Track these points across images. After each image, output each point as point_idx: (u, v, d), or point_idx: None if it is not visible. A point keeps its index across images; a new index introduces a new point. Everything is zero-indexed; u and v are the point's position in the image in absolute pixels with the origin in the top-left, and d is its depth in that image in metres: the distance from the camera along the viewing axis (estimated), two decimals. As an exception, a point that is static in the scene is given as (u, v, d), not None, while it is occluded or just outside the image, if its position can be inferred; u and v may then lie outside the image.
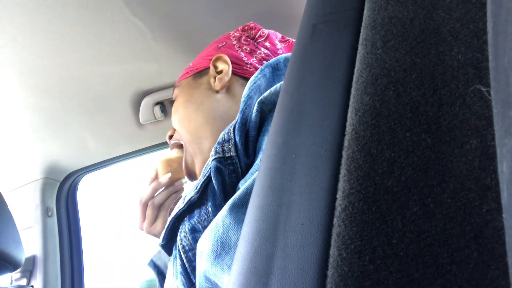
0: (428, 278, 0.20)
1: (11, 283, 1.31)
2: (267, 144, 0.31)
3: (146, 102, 1.15)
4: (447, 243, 0.21)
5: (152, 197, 0.76)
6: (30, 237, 1.33)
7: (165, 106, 1.18)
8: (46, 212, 1.36)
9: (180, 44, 0.99)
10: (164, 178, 0.76)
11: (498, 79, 0.18)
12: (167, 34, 0.96)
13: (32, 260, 1.31)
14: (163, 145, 1.31)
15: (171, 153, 0.76)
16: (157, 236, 0.75)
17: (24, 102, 1.09)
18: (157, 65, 1.04)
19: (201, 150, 0.66)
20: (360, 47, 0.28)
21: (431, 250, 0.21)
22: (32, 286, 1.30)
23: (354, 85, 0.27)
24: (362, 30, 0.29)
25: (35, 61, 0.97)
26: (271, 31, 0.74)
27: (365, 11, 0.29)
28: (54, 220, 1.39)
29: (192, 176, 0.71)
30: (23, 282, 1.30)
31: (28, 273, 1.31)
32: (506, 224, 0.17)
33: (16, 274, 1.31)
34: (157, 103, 1.16)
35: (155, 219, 0.75)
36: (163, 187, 0.76)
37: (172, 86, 1.13)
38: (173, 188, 0.77)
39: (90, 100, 1.12)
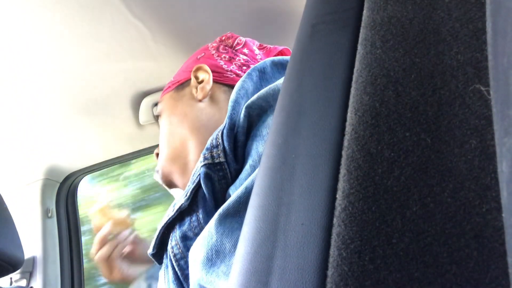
0: (428, 277, 0.20)
1: (11, 284, 1.31)
2: (266, 144, 0.31)
3: (146, 102, 1.15)
4: (447, 242, 0.21)
5: (98, 251, 0.75)
6: (30, 238, 1.33)
7: (164, 107, 1.18)
8: (46, 213, 1.36)
9: (180, 45, 0.99)
10: (102, 232, 0.74)
11: (498, 78, 0.18)
12: (167, 35, 0.96)
13: (31, 261, 1.31)
14: (163, 145, 1.31)
15: (100, 202, 0.74)
16: (124, 280, 0.75)
17: (24, 103, 1.09)
18: (157, 66, 1.04)
19: (185, 165, 0.65)
20: (359, 47, 0.28)
21: (431, 250, 0.21)
22: (31, 287, 1.30)
23: (353, 85, 0.27)
24: (361, 30, 0.29)
25: (34, 62, 0.97)
26: (248, 39, 0.74)
27: (364, 11, 0.29)
28: (54, 221, 1.39)
29: (171, 186, 0.71)
30: (23, 283, 1.30)
31: (28, 274, 1.30)
32: (506, 223, 0.17)
33: (15, 275, 1.30)
34: (156, 104, 1.16)
35: (111, 270, 0.74)
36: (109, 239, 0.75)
37: (172, 86, 1.12)
38: (116, 240, 0.75)
39: (90, 101, 1.12)
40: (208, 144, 0.51)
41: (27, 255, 1.30)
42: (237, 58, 0.70)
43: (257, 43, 0.76)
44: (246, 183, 0.44)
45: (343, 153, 0.25)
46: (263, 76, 0.60)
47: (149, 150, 1.34)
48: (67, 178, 1.43)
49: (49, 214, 1.37)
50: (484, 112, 0.22)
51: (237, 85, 0.57)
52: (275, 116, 0.32)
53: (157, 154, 0.74)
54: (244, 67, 0.69)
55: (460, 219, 0.21)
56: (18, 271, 1.25)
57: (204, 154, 0.51)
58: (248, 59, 0.71)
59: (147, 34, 0.94)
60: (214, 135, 0.52)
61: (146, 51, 0.99)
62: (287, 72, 0.33)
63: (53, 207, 1.40)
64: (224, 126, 0.51)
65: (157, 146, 1.31)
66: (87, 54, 0.97)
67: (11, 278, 1.31)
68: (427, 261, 0.20)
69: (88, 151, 1.32)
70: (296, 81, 0.31)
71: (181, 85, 0.71)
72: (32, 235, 1.34)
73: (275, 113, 0.32)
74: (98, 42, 0.94)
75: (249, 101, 0.51)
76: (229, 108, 0.53)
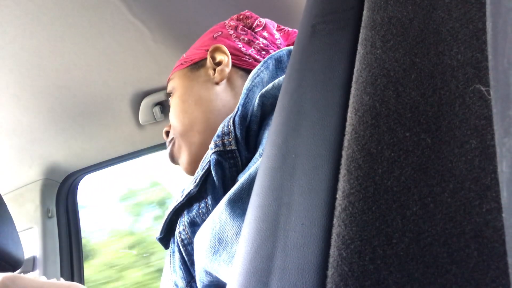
0: (428, 278, 0.20)
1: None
2: (267, 144, 0.31)
3: (146, 102, 1.15)
4: (447, 243, 0.21)
5: None
6: (30, 238, 1.33)
7: (164, 107, 1.18)
8: (46, 213, 1.36)
9: (180, 45, 0.99)
10: None
11: (498, 78, 0.18)
12: (167, 35, 0.96)
13: (32, 261, 1.31)
14: (163, 145, 1.31)
15: None
16: None
17: (24, 103, 1.09)
18: (157, 66, 1.04)
19: (191, 143, 0.65)
20: (359, 47, 0.28)
21: (431, 250, 0.21)
22: (32, 287, 1.29)
23: (353, 85, 0.27)
24: (361, 30, 0.29)
25: (35, 62, 0.97)
26: (267, 20, 0.71)
27: (364, 11, 0.29)
28: (54, 221, 1.38)
29: (175, 162, 0.70)
30: (23, 283, 1.29)
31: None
32: (506, 224, 0.17)
33: (15, 275, 1.30)
34: (156, 104, 1.16)
35: None
36: None
37: (172, 86, 1.12)
38: None
39: (90, 101, 1.12)
40: (219, 131, 0.51)
41: (27, 255, 1.30)
42: (256, 41, 0.68)
43: (275, 24, 0.74)
44: (250, 170, 0.44)
45: (343, 153, 0.25)
46: (279, 65, 0.59)
47: (149, 150, 1.34)
48: (67, 178, 1.43)
49: (49, 214, 1.37)
50: (484, 112, 0.22)
51: (253, 73, 0.56)
52: (275, 116, 0.32)
53: (166, 132, 0.73)
54: (263, 52, 0.67)
55: (460, 219, 0.21)
56: (18, 271, 1.25)
57: (215, 141, 0.50)
58: (268, 43, 0.68)
59: (147, 34, 0.94)
60: (225, 122, 0.51)
61: (146, 51, 0.99)
62: (287, 71, 0.33)
63: (53, 207, 1.40)
64: (236, 113, 0.50)
65: (157, 146, 1.32)
66: (87, 54, 0.97)
67: (11, 278, 1.31)
68: (427, 261, 0.20)
69: (88, 151, 1.32)
70: (296, 81, 0.31)
71: (196, 64, 0.68)
72: (32, 235, 1.34)
73: (275, 113, 0.32)
74: (98, 42, 0.94)
75: (263, 90, 0.51)
76: (243, 96, 0.52)
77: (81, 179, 1.49)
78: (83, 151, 1.32)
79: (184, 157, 0.66)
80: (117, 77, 1.06)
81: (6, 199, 0.93)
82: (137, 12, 0.88)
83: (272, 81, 0.55)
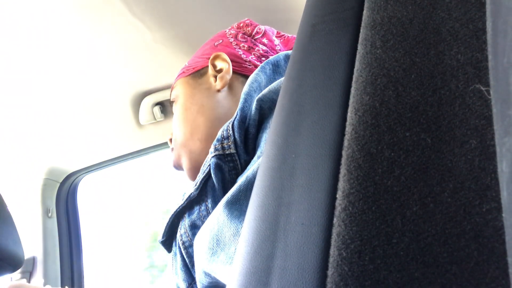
0: (428, 277, 0.20)
1: (11, 284, 1.30)
2: (267, 144, 0.31)
3: (146, 102, 1.15)
4: (447, 242, 0.21)
5: None
6: (30, 238, 1.33)
7: (165, 107, 1.18)
8: (46, 213, 1.36)
9: (180, 45, 0.99)
10: None
11: (498, 78, 0.18)
12: (167, 35, 0.96)
13: (32, 261, 1.31)
14: (163, 145, 1.31)
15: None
16: None
17: (24, 103, 1.09)
18: (157, 66, 1.04)
19: (191, 151, 0.66)
20: (359, 47, 0.28)
21: (431, 250, 0.21)
22: (32, 287, 1.29)
23: (353, 84, 0.27)
24: (361, 30, 0.29)
25: (34, 62, 0.97)
26: (267, 27, 0.73)
27: (364, 11, 0.29)
28: (54, 221, 1.39)
29: (179, 169, 0.71)
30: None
31: (28, 274, 1.31)
32: (506, 223, 0.17)
33: (16, 275, 1.30)
34: (156, 104, 1.16)
35: None
36: None
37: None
38: None
39: (90, 101, 1.13)
40: (218, 136, 0.52)
41: (27, 255, 1.30)
42: (256, 48, 0.69)
43: (275, 31, 0.75)
44: (248, 172, 0.45)
45: (343, 153, 0.25)
46: (277, 70, 0.60)
47: (149, 150, 1.34)
48: (67, 178, 1.43)
49: (49, 214, 1.37)
50: (484, 112, 0.22)
51: (250, 78, 0.57)
52: (275, 116, 0.32)
53: (170, 140, 0.74)
54: (263, 58, 0.68)
55: (460, 219, 0.21)
56: (18, 271, 1.25)
57: (215, 145, 0.51)
58: (267, 49, 0.70)
59: (148, 34, 0.94)
60: (224, 127, 0.52)
61: (146, 51, 0.99)
62: (287, 71, 0.33)
63: (53, 207, 1.40)
64: (235, 118, 0.51)
65: (157, 146, 1.32)
66: (87, 54, 0.97)
67: (11, 278, 1.31)
68: (427, 261, 0.20)
69: (88, 151, 1.32)
70: (296, 80, 0.31)
71: (198, 72, 0.70)
72: (32, 235, 1.34)
73: (275, 113, 0.32)
74: (98, 42, 0.94)
75: (260, 95, 0.52)
76: (241, 100, 0.53)
77: (81, 179, 1.49)
78: (83, 151, 1.32)
79: (185, 164, 0.67)
80: (117, 77, 1.06)
81: (6, 199, 0.93)
82: (137, 12, 0.88)
83: (270, 85, 0.56)
